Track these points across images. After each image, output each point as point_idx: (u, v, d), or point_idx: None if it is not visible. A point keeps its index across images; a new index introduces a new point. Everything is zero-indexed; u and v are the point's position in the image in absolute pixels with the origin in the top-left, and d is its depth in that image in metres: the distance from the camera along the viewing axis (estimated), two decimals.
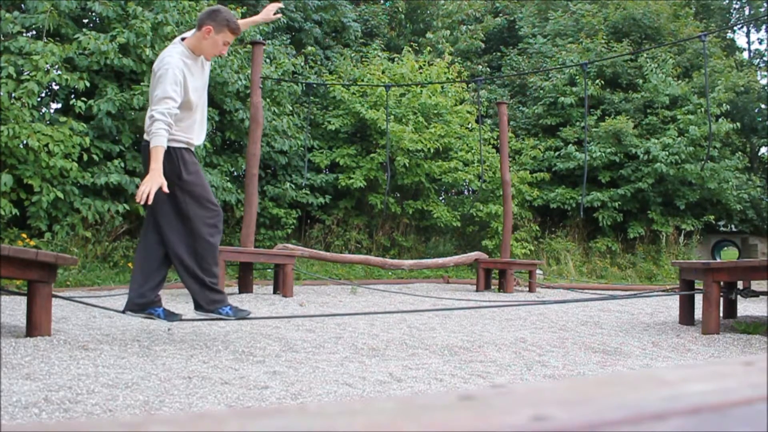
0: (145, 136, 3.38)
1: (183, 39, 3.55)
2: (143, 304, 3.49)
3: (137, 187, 7.75)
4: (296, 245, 8.49)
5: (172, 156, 3.43)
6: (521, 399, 0.45)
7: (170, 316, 3.55)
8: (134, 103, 7.49)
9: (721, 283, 4.34)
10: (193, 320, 3.77)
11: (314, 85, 10.49)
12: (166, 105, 3.28)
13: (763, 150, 15.76)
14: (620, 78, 12.58)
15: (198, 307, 3.58)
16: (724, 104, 11.81)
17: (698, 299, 4.54)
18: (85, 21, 8.67)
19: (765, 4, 18.50)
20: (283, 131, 9.53)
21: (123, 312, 3.57)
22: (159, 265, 3.59)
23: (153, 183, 3.17)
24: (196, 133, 3.58)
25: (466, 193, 13.07)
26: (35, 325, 3.51)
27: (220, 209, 3.62)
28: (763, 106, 14.68)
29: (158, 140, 3.24)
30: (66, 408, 2.17)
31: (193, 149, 3.59)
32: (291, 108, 10.06)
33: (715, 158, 12.11)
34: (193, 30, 3.57)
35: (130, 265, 7.70)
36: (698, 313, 4.56)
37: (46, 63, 6.88)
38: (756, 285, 5.51)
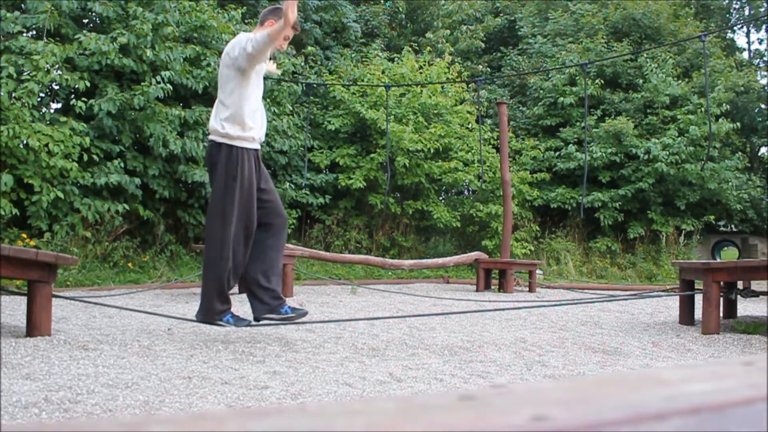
0: (250, 48, 3.43)
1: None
2: (270, 309, 3.64)
3: (137, 187, 7.80)
4: (296, 245, 8.50)
5: (233, 155, 3.52)
6: (521, 399, 0.46)
7: (297, 311, 3.70)
8: (134, 103, 7.49)
9: (721, 283, 4.34)
10: (195, 322, 3.77)
11: (314, 85, 10.48)
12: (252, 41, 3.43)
13: (763, 150, 15.76)
14: (620, 78, 12.58)
15: (198, 316, 3.63)
16: (724, 104, 11.81)
17: (698, 299, 4.54)
18: (86, 21, 8.67)
19: (765, 4, 18.51)
20: (283, 131, 9.53)
21: (255, 320, 3.69)
22: (265, 270, 3.69)
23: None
24: (258, 126, 3.66)
25: (466, 193, 13.06)
26: (35, 325, 3.51)
27: (254, 228, 3.63)
28: (763, 106, 14.68)
29: (262, 35, 3.39)
30: (66, 408, 2.17)
31: (257, 152, 3.65)
32: (291, 108, 10.06)
33: (715, 158, 12.11)
34: (256, 28, 3.74)
35: (130, 265, 7.70)
36: (698, 313, 4.56)
37: (47, 63, 6.88)
38: (756, 285, 5.50)
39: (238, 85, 3.54)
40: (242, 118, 3.54)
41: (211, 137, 3.59)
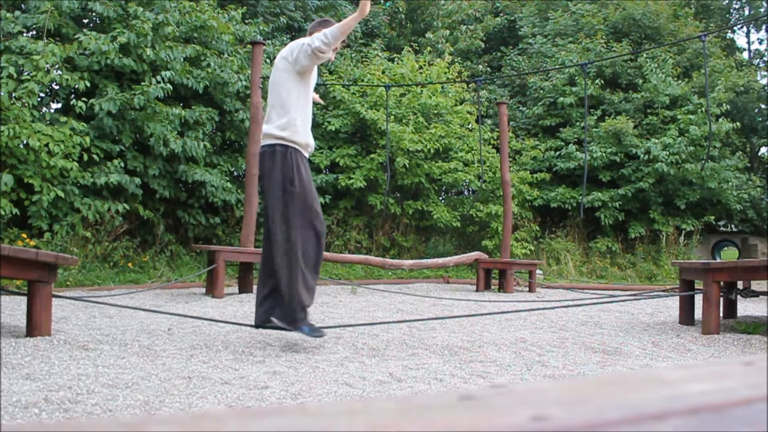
0: (315, 54, 3.47)
1: None
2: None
3: (137, 187, 7.80)
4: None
5: (288, 158, 3.53)
6: (521, 399, 0.46)
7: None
8: (135, 103, 7.49)
9: (721, 283, 4.33)
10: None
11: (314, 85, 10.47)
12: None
13: (763, 150, 15.77)
14: (620, 78, 12.58)
15: (280, 318, 3.53)
16: (724, 104, 11.81)
17: (698, 299, 4.54)
18: (86, 21, 8.67)
19: (765, 4, 18.51)
20: None
21: (255, 326, 3.64)
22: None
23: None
24: (310, 135, 3.69)
25: (466, 193, 13.07)
26: (35, 325, 3.50)
27: (323, 227, 3.65)
28: (763, 106, 14.68)
29: (334, 28, 3.46)
30: (66, 408, 2.17)
31: (307, 155, 3.67)
32: None
33: (715, 158, 12.12)
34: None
35: (130, 265, 7.70)
36: (698, 313, 4.56)
37: (47, 63, 6.88)
38: (756, 285, 5.51)
39: (293, 90, 3.57)
40: (296, 122, 3.56)
41: (264, 142, 3.58)
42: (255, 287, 6.92)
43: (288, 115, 3.55)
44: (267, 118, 3.63)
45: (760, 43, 21.56)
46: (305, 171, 3.59)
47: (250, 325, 3.78)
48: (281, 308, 3.54)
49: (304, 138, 3.61)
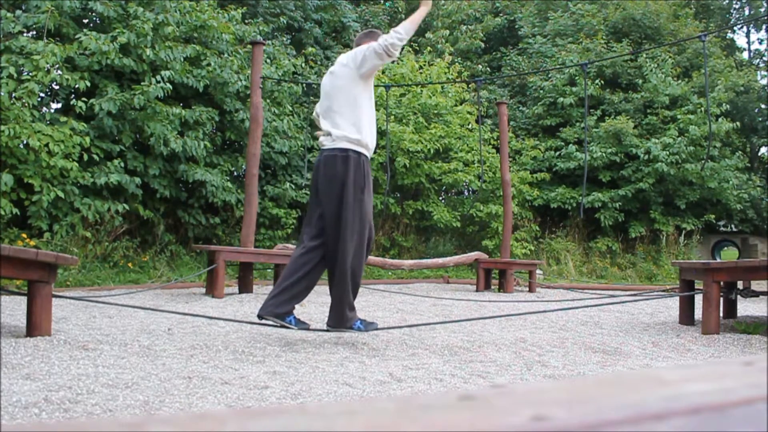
0: (386, 52, 3.58)
1: None
2: (281, 314, 3.59)
3: (137, 186, 7.79)
4: (296, 245, 8.47)
5: (361, 166, 3.63)
6: (521, 399, 0.45)
7: (300, 324, 3.66)
8: (135, 102, 7.49)
9: (721, 283, 4.33)
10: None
11: (314, 85, 10.48)
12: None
13: (763, 150, 15.77)
14: (620, 78, 12.59)
15: (332, 324, 3.69)
16: (724, 104, 11.82)
17: (698, 299, 4.54)
18: (86, 21, 8.67)
19: (765, 4, 18.51)
20: (283, 131, 9.52)
21: (258, 317, 3.66)
22: (307, 273, 3.67)
23: None
24: (375, 138, 3.78)
25: (466, 193, 13.07)
26: (35, 325, 3.50)
27: (373, 228, 3.78)
28: (763, 106, 14.68)
29: (406, 24, 3.61)
30: (66, 408, 2.17)
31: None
32: (291, 108, 10.06)
33: (715, 158, 12.12)
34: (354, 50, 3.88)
35: (130, 265, 7.70)
36: (698, 313, 4.56)
37: (47, 63, 6.88)
38: (756, 285, 5.50)
39: (359, 95, 3.63)
40: (364, 129, 3.63)
41: (336, 145, 3.61)
42: (255, 287, 6.95)
43: (359, 121, 3.62)
44: (333, 123, 3.66)
45: (760, 43, 21.57)
46: (370, 183, 3.71)
47: (251, 323, 3.77)
48: (335, 312, 3.67)
49: (372, 143, 3.70)
